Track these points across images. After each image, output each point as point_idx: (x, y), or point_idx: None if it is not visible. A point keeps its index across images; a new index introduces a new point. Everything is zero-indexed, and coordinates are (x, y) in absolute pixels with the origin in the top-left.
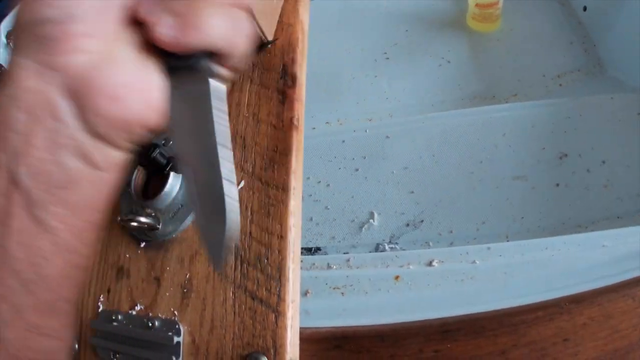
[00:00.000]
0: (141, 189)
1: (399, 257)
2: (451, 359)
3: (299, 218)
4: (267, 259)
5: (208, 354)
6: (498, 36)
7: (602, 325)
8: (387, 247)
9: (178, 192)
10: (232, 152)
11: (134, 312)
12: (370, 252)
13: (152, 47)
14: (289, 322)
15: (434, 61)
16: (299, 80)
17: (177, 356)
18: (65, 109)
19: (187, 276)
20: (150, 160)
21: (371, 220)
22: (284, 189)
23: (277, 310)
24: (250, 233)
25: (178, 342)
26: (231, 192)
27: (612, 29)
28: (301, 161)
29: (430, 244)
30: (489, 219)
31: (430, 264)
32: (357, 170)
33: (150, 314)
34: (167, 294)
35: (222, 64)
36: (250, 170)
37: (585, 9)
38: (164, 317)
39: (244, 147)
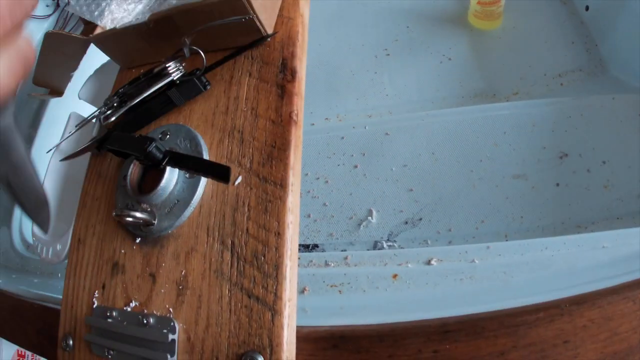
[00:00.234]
0: (137, 183)
1: (398, 256)
2: (450, 359)
3: (297, 215)
4: (264, 256)
5: (203, 352)
6: (499, 34)
7: (602, 327)
8: (385, 245)
9: (174, 188)
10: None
11: (129, 309)
12: (368, 249)
13: None
14: (285, 321)
15: (435, 58)
16: (298, 74)
17: (172, 354)
18: None
19: (183, 273)
20: (146, 155)
21: (369, 218)
22: (282, 185)
23: (274, 309)
24: (247, 230)
25: (173, 340)
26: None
27: (614, 29)
28: (300, 157)
29: (429, 242)
30: (488, 217)
31: (428, 262)
32: (356, 167)
33: (146, 311)
34: (163, 290)
35: None
36: (248, 165)
37: (587, 8)
38: (159, 314)
39: (242, 142)
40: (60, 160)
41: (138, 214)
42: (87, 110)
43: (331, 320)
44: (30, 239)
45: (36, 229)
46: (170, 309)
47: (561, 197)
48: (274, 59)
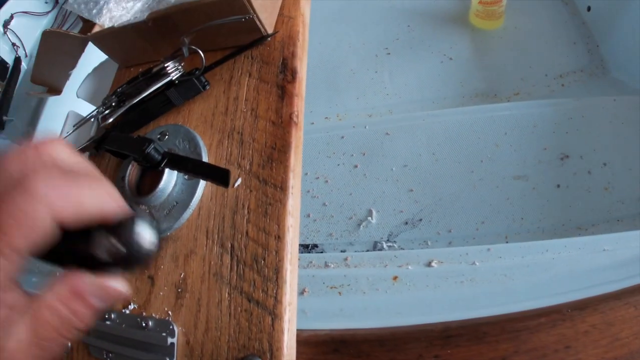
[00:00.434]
0: (135, 185)
1: (398, 257)
2: None
3: (297, 218)
4: (264, 260)
5: (203, 355)
6: (501, 34)
7: (604, 332)
8: (385, 246)
9: (173, 189)
10: None
11: (127, 311)
12: (368, 250)
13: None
14: (285, 325)
15: (435, 58)
16: (299, 75)
17: (171, 357)
18: None
19: (182, 276)
20: (144, 156)
21: (369, 218)
22: (282, 187)
23: (274, 313)
24: (246, 233)
25: (172, 343)
26: None
27: (615, 31)
28: (300, 159)
29: (429, 242)
30: (489, 218)
31: (429, 264)
32: (356, 166)
33: (144, 314)
34: (161, 293)
35: None
36: (248, 167)
37: (589, 9)
38: (157, 317)
39: (242, 144)
40: None
41: None
42: (85, 108)
43: (331, 323)
44: None
45: None
46: (169, 312)
47: (562, 199)
48: (274, 58)
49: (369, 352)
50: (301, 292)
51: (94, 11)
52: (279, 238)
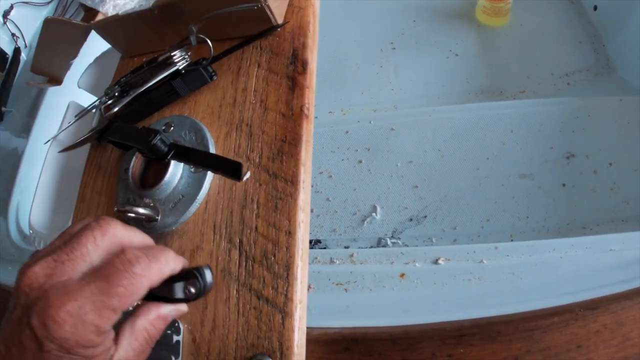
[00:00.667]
0: (139, 177)
1: (404, 254)
2: None
3: (308, 213)
4: (274, 256)
5: (209, 354)
6: (507, 31)
7: (615, 332)
8: (389, 242)
9: (179, 182)
10: None
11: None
12: (371, 246)
13: None
14: (296, 324)
15: (441, 53)
16: (309, 66)
17: (177, 356)
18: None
19: None
20: (150, 148)
21: (374, 214)
22: (293, 182)
23: (284, 311)
24: (256, 228)
25: (178, 341)
26: None
27: (622, 30)
28: (310, 153)
29: (434, 240)
30: (494, 216)
31: (436, 261)
32: (360, 162)
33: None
34: None
35: None
36: (257, 160)
37: (595, 8)
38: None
39: (250, 136)
40: (59, 152)
41: (141, 210)
42: (87, 99)
43: (340, 321)
44: (26, 230)
45: (33, 220)
46: None
47: (567, 198)
48: (284, 49)
49: (381, 350)
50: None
51: None
52: (290, 234)
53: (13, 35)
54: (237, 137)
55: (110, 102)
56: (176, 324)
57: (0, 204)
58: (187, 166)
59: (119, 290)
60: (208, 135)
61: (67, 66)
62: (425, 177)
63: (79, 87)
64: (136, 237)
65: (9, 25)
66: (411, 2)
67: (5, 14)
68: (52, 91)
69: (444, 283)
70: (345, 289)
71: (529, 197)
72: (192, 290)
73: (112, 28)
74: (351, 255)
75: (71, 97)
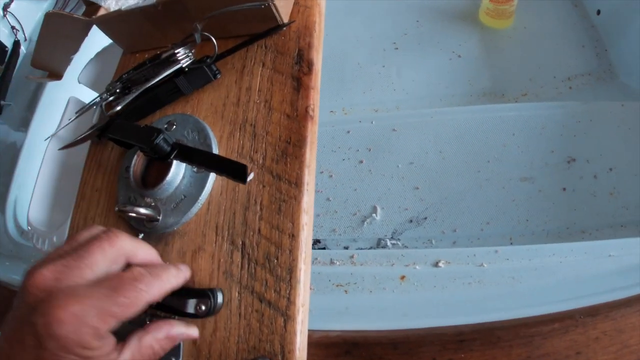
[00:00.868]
0: (140, 176)
1: (405, 256)
2: None
3: (311, 216)
4: (277, 259)
5: (210, 356)
6: (510, 33)
7: (614, 339)
8: (389, 243)
9: (181, 182)
10: None
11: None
12: (371, 247)
13: None
14: (298, 327)
15: (444, 54)
16: (315, 66)
17: (177, 357)
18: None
19: None
20: (152, 147)
21: (374, 215)
22: (297, 184)
23: (287, 314)
24: (259, 230)
25: (179, 344)
26: None
27: (624, 35)
28: (315, 155)
29: (433, 241)
30: (494, 219)
31: (436, 264)
32: (361, 162)
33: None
34: None
35: None
36: (261, 161)
37: (598, 12)
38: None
39: (254, 136)
40: (59, 149)
41: (142, 210)
42: (87, 94)
43: (340, 323)
44: (24, 225)
45: (32, 217)
46: None
47: (567, 202)
48: (289, 49)
49: (382, 355)
50: None
51: None
52: (293, 236)
53: (13, 28)
54: (241, 137)
55: (111, 98)
56: None
57: None
58: (189, 166)
59: (123, 300)
60: (211, 134)
61: (68, 61)
62: (426, 178)
63: (79, 83)
64: (141, 250)
65: (8, 18)
66: (415, 2)
67: (5, 7)
68: (51, 86)
69: (444, 286)
70: (345, 291)
71: (529, 200)
72: (203, 308)
73: (114, 23)
74: (351, 257)
75: (71, 92)
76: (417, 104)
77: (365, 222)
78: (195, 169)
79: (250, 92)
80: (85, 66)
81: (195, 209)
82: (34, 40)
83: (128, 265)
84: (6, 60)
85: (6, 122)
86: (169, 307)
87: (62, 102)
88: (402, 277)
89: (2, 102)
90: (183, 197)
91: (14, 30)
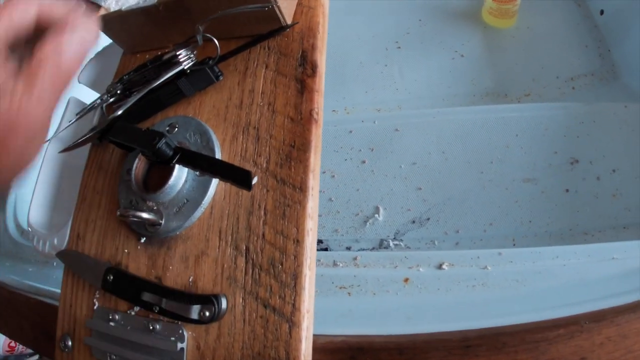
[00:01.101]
0: (142, 179)
1: (408, 258)
2: None
3: (316, 221)
4: (282, 264)
5: None
6: (513, 33)
7: (618, 345)
8: (391, 244)
9: (183, 186)
10: None
11: (132, 313)
12: (374, 247)
13: None
14: (303, 334)
15: (447, 54)
16: (319, 69)
17: None
18: None
19: (191, 279)
20: (154, 151)
21: (376, 215)
22: (302, 188)
23: (292, 321)
24: (263, 235)
25: (182, 349)
26: None
27: (628, 36)
28: (319, 159)
29: (436, 242)
30: (497, 220)
31: (440, 266)
32: (363, 162)
33: (151, 316)
34: None
35: None
36: (264, 165)
37: (602, 12)
38: (166, 320)
39: (258, 140)
40: (60, 152)
41: (144, 215)
42: (87, 94)
43: (344, 326)
44: (25, 225)
45: (32, 219)
46: None
47: (570, 204)
48: (292, 50)
49: None
50: None
51: None
52: (298, 242)
53: None
54: (244, 141)
55: (112, 100)
56: (180, 331)
57: None
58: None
59: None
60: (214, 137)
61: None
62: (429, 179)
63: (80, 82)
64: None
65: None
66: (417, 1)
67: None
68: None
69: (448, 289)
70: (349, 293)
71: (532, 201)
72: (207, 313)
73: (115, 24)
74: (355, 259)
75: (71, 92)
76: (419, 103)
77: (368, 223)
78: (198, 173)
79: (253, 95)
80: (86, 66)
81: (198, 213)
82: None
83: None
84: None
85: None
86: (173, 313)
87: (63, 103)
88: (406, 280)
89: None
90: (186, 201)
91: None
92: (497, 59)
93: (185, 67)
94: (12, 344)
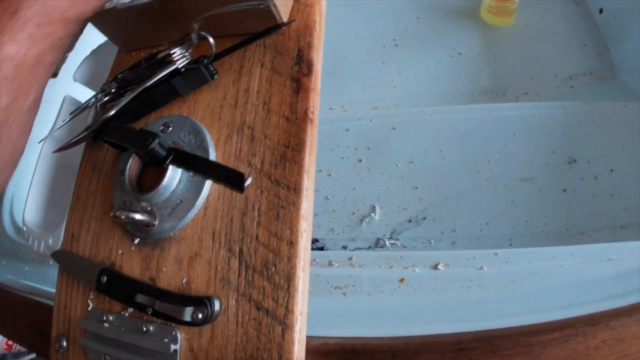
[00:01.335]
0: (136, 179)
1: (404, 258)
2: None
3: (310, 223)
4: (275, 266)
5: None
6: (511, 31)
7: (613, 348)
8: (387, 243)
9: (177, 186)
10: None
11: (126, 314)
12: (370, 246)
13: None
14: (296, 336)
15: (445, 52)
16: (315, 67)
17: None
18: None
19: (185, 280)
20: (147, 152)
21: (372, 214)
22: (296, 189)
23: (284, 323)
24: (256, 237)
25: (175, 350)
26: None
27: (627, 35)
28: (314, 159)
29: (432, 242)
30: (493, 219)
31: (435, 267)
32: (360, 160)
33: (145, 318)
34: None
35: None
36: (259, 166)
37: (601, 11)
38: (159, 321)
39: (252, 140)
40: (54, 152)
41: (137, 216)
42: (83, 92)
43: (339, 327)
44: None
45: (27, 218)
46: None
47: (567, 203)
48: (288, 49)
49: None
50: None
51: None
52: (292, 244)
53: None
54: (239, 141)
55: (106, 99)
56: (173, 333)
57: None
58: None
59: None
60: (208, 137)
61: (63, 58)
62: (426, 178)
63: (75, 81)
64: None
65: None
66: None
67: None
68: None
69: (443, 289)
70: (344, 293)
71: (529, 201)
72: (200, 316)
73: (110, 21)
74: (350, 258)
75: (66, 90)
76: (417, 101)
77: (364, 222)
78: (192, 174)
79: (249, 94)
80: (81, 64)
81: (192, 214)
82: None
83: None
84: None
85: None
86: (166, 315)
87: (57, 100)
88: (401, 280)
89: None
90: (179, 201)
91: None
92: (495, 57)
93: (180, 66)
94: (10, 342)
